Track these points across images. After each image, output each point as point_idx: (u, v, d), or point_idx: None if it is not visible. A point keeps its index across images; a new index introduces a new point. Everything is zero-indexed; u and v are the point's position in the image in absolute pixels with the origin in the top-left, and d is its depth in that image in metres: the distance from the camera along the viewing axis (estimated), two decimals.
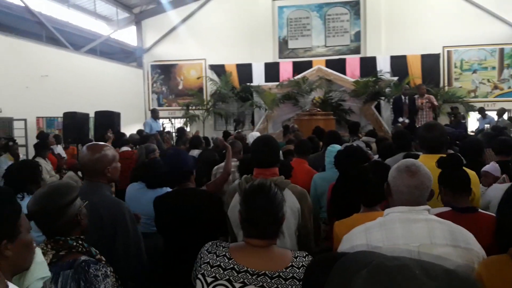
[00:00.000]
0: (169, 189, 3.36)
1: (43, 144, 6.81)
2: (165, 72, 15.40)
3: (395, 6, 13.39)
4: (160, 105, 15.22)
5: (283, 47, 14.43)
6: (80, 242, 1.71)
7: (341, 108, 12.17)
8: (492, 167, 3.25)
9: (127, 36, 15.24)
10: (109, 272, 1.65)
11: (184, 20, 14.91)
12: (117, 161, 2.35)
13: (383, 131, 10.79)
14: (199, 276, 1.65)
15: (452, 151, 3.45)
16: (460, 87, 13.10)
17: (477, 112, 11.69)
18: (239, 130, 9.82)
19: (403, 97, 9.53)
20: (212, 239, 2.67)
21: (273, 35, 14.35)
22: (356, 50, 13.87)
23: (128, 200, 3.49)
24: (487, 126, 10.14)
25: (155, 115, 10.39)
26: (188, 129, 13.69)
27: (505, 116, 10.91)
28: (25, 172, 3.18)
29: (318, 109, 10.70)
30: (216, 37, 14.51)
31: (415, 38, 13.08)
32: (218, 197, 2.78)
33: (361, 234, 1.70)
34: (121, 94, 13.47)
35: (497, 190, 2.70)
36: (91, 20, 13.74)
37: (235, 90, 14.04)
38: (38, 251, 1.41)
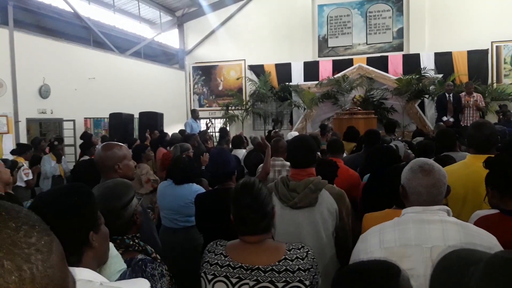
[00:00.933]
0: (196, 186, 3.46)
1: (87, 144, 7.10)
2: (206, 73, 15.68)
3: (439, 1, 12.90)
4: (201, 105, 15.52)
5: (322, 45, 14.29)
6: (136, 241, 1.72)
7: (383, 106, 11.90)
8: None
9: (170, 38, 15.63)
10: (164, 271, 1.66)
11: (224, 22, 15.11)
12: (130, 159, 2.42)
13: (427, 130, 10.45)
14: (202, 274, 1.74)
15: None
16: (510, 84, 12.41)
17: None
18: (277, 130, 9.83)
19: (447, 94, 9.20)
20: None
21: (313, 33, 14.25)
22: (399, 47, 13.49)
23: (158, 196, 3.64)
24: None
25: (195, 115, 10.61)
26: (228, 128, 13.87)
27: None
28: (92, 170, 3.16)
29: (359, 108, 10.51)
30: (255, 38, 14.60)
31: (461, 33, 12.55)
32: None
33: (376, 234, 1.68)
34: (164, 95, 13.86)
35: None
36: (135, 24, 14.20)
37: (274, 90, 14.06)
38: (111, 245, 1.45)
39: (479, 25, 12.43)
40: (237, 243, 1.76)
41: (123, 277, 1.54)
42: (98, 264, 1.31)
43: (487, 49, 12.54)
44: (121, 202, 1.70)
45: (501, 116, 10.15)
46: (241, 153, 5.67)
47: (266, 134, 8.95)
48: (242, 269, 1.65)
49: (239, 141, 6.27)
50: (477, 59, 12.49)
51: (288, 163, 3.69)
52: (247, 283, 1.63)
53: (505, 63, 12.55)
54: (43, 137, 9.66)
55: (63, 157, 7.44)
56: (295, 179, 2.34)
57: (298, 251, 1.68)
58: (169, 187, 3.56)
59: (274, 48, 14.33)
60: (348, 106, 11.55)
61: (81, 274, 1.17)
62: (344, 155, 4.72)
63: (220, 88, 15.57)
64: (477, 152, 2.59)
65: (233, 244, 1.77)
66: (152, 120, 10.25)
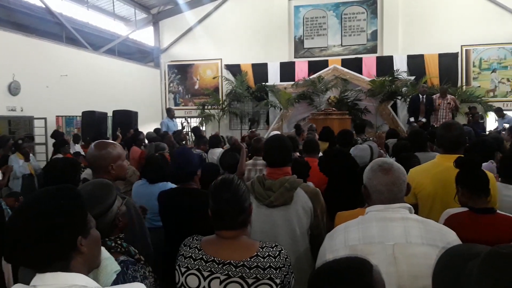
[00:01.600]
0: (170, 184, 3.45)
1: (61, 141, 6.94)
2: (182, 72, 15.56)
3: (412, 5, 13.23)
4: (176, 104, 15.38)
5: (298, 46, 14.42)
6: (119, 242, 1.67)
7: (357, 107, 12.10)
8: (487, 167, 3.07)
9: (145, 36, 15.44)
10: (147, 273, 1.63)
11: (201, 20, 15.04)
12: (124, 159, 2.35)
13: (399, 131, 10.69)
14: (176, 267, 1.76)
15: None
16: (479, 86, 12.86)
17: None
18: (253, 130, 9.86)
19: (420, 96, 9.44)
20: None
21: (289, 34, 14.35)
22: (373, 49, 13.76)
23: (133, 196, 3.60)
24: (506, 125, 9.95)
25: (170, 114, 10.51)
26: (203, 128, 13.81)
27: None
28: (69, 170, 2.93)
29: (334, 109, 10.67)
30: (232, 37, 14.60)
31: (432, 37, 12.91)
32: None
33: (341, 232, 1.72)
34: (138, 93, 13.68)
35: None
36: (109, 21, 13.97)
37: (250, 89, 14.10)
38: (103, 248, 1.40)
39: (450, 29, 12.82)
40: (213, 238, 1.77)
41: (116, 280, 1.50)
42: (89, 270, 1.26)
43: (457, 53, 12.96)
44: (102, 206, 1.63)
45: (470, 118, 10.49)
46: (217, 152, 5.66)
47: (245, 134, 8.97)
48: (214, 263, 1.67)
49: (216, 141, 6.27)
50: (447, 62, 12.90)
51: None
52: (218, 277, 1.65)
53: (474, 66, 12.99)
54: (12, 135, 9.38)
55: (31, 155, 7.23)
56: (271, 178, 2.36)
57: (271, 249, 1.70)
58: (143, 186, 3.53)
59: (251, 48, 14.36)
60: (323, 106, 11.70)
61: (75, 280, 1.15)
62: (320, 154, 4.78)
63: (196, 87, 15.48)
64: (446, 152, 2.65)
65: (208, 239, 1.79)
66: (126, 118, 10.11)
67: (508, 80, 12.73)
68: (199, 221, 2.62)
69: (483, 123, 11.06)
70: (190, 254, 1.74)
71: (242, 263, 1.65)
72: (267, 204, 2.28)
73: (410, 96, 10.32)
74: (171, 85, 15.73)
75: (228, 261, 1.66)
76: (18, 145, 7.02)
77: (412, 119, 9.27)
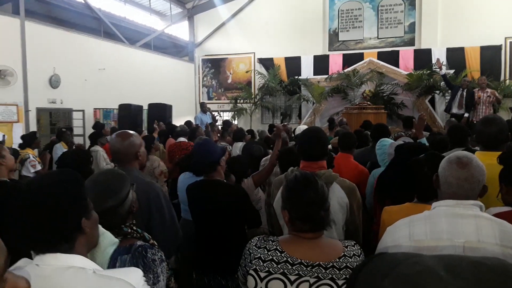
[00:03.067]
0: None
1: (98, 134, 7.10)
2: (215, 66, 15.65)
3: None
4: (210, 98, 15.51)
5: (333, 39, 14.17)
6: (134, 228, 1.70)
7: (393, 102, 11.77)
8: None
9: (180, 30, 15.60)
10: (163, 257, 1.65)
11: (234, 14, 15.03)
12: (143, 146, 2.46)
13: (437, 126, 10.35)
14: (251, 272, 1.63)
15: None
16: None
17: None
18: (285, 123, 9.82)
19: (461, 90, 9.07)
20: (238, 230, 2.70)
21: (323, 27, 14.12)
22: (410, 42, 13.34)
23: (178, 187, 3.61)
24: None
25: (203, 108, 10.59)
26: (235, 122, 13.86)
27: None
28: (79, 160, 3.13)
29: (369, 103, 10.44)
30: (265, 31, 14.52)
31: (474, 29, 12.35)
32: (243, 191, 2.77)
33: (405, 226, 1.64)
34: (173, 87, 13.88)
35: None
36: (145, 15, 14.19)
37: (283, 83, 14.00)
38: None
39: (492, 21, 12.22)
40: (292, 238, 1.67)
41: (123, 262, 1.54)
42: (88, 250, 1.31)
43: (501, 45, 12.34)
44: (118, 198, 1.64)
45: None
46: (240, 146, 5.64)
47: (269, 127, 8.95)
48: (302, 266, 1.58)
49: (240, 134, 6.28)
50: (490, 55, 12.30)
51: None
52: (308, 280, 1.56)
53: None
54: (52, 126, 9.75)
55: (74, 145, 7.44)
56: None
57: (354, 248, 1.65)
58: (188, 179, 3.54)
59: (284, 41, 14.24)
60: (358, 100, 11.46)
61: (74, 261, 1.18)
62: None
63: (229, 81, 15.54)
64: (485, 148, 2.53)
65: (287, 239, 1.68)
66: (161, 111, 10.27)
67: None
68: (225, 213, 2.62)
69: None
70: (271, 257, 1.61)
71: (331, 264, 1.57)
72: None
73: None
74: (205, 79, 15.85)
75: (317, 262, 1.58)
76: (62, 134, 7.23)
77: (455, 110, 8.89)
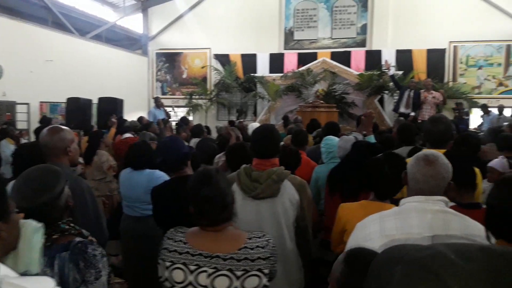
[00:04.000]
0: (158, 172, 3.34)
1: (45, 127, 6.76)
2: (170, 60, 15.38)
3: (403, 0, 13.26)
4: (164, 93, 15.21)
5: (288, 38, 14.35)
6: (71, 225, 1.66)
7: (344, 101, 12.10)
8: (499, 162, 3.08)
9: (133, 23, 15.18)
10: (104, 252, 1.64)
11: (191, 8, 14.83)
12: (76, 143, 2.41)
13: (385, 125, 10.76)
14: (159, 261, 1.72)
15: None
16: (465, 83, 12.99)
17: (480, 109, 11.59)
18: (241, 120, 9.83)
19: (408, 90, 9.48)
20: None
21: (279, 25, 14.27)
22: (362, 43, 13.77)
23: (120, 184, 3.54)
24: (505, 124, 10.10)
25: (158, 103, 10.38)
26: (190, 118, 13.69)
27: (506, 113, 10.90)
28: (37, 154, 2.81)
29: (321, 101, 10.66)
30: (222, 27, 14.45)
31: (421, 32, 12.95)
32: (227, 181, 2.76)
33: (375, 222, 1.71)
34: (125, 81, 13.48)
35: None
36: (97, 6, 13.68)
37: (239, 80, 14.01)
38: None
39: (438, 25, 12.89)
40: (197, 230, 1.74)
41: (62, 260, 1.50)
42: (6, 252, 1.24)
43: (445, 49, 13.06)
44: (54, 192, 1.59)
45: (457, 114, 10.62)
46: (195, 141, 5.58)
47: (227, 123, 8.92)
48: (201, 256, 1.65)
49: (198, 131, 6.23)
50: (435, 57, 12.99)
51: None
52: (206, 271, 1.63)
53: (461, 63, 13.10)
54: None
55: (21, 139, 7.05)
56: (258, 169, 2.31)
57: (259, 239, 1.69)
58: (129, 174, 3.48)
59: (241, 38, 14.23)
60: (311, 99, 11.69)
61: None
62: None
63: (184, 76, 15.33)
64: (434, 146, 2.66)
65: (193, 231, 1.76)
66: (111, 106, 9.95)
67: (493, 77, 12.87)
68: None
69: (467, 120, 11.21)
70: (175, 248, 1.70)
71: (230, 255, 1.63)
72: (254, 196, 2.25)
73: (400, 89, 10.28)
74: (159, 73, 15.54)
75: (216, 254, 1.64)
76: (6, 130, 6.83)
77: (402, 110, 9.30)
